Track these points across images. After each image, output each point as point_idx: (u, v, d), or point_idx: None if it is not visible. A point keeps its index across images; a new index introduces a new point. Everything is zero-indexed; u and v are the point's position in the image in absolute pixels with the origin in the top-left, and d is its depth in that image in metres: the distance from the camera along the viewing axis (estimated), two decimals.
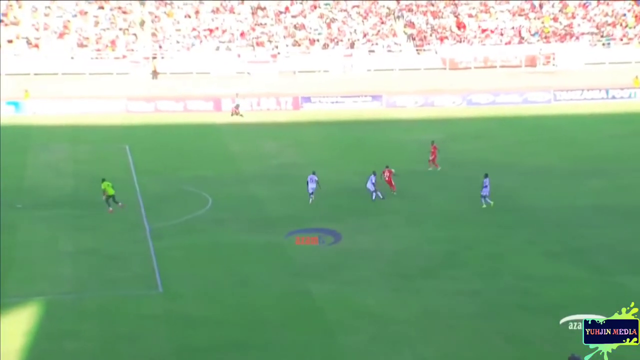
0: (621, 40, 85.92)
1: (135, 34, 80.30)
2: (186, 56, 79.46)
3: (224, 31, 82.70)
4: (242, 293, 32.10)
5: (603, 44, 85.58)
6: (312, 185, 43.08)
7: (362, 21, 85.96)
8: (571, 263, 34.60)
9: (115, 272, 34.03)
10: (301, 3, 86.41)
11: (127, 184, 46.90)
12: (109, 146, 56.37)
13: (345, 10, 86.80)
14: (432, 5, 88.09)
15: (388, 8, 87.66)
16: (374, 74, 79.53)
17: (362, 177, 45.93)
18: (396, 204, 43.14)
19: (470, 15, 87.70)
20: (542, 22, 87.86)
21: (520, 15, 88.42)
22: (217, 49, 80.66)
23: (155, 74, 75.75)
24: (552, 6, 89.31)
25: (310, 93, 71.16)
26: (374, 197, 43.22)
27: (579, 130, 61.39)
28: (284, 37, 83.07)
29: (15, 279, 33.29)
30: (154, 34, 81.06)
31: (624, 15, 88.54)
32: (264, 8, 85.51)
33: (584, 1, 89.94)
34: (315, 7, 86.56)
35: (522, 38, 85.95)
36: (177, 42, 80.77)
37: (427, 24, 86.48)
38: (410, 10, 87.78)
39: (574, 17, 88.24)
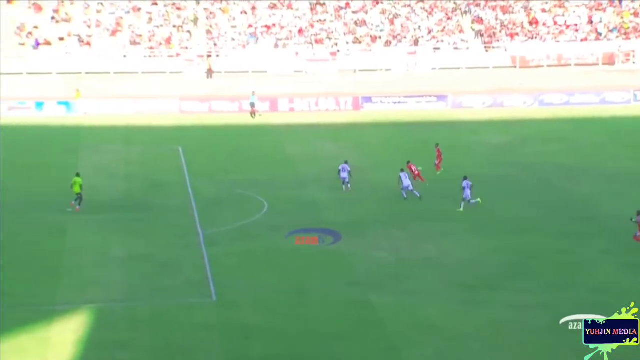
0: None
1: (189, 31, 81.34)
2: (242, 54, 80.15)
3: (281, 28, 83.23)
4: (299, 302, 32.28)
5: None
6: (344, 175, 45.61)
7: (427, 17, 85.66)
8: None
9: (168, 280, 34.51)
10: None
11: (180, 187, 47.54)
12: (161, 148, 57.17)
13: (409, 6, 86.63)
14: None
15: (455, 3, 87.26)
16: (439, 72, 79.21)
17: (426, 181, 45.84)
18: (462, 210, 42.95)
19: (543, 10, 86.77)
20: (622, 18, 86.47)
21: (597, 10, 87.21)
22: (275, 46, 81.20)
23: (210, 72, 76.57)
24: (632, 0, 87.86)
25: (372, 93, 71.09)
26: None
27: None
28: (344, 34, 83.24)
29: (66, 285, 33.97)
30: (208, 31, 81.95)
31: None
32: (324, 4, 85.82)
33: None
34: (377, 3, 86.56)
35: (599, 34, 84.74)
36: (233, 39, 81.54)
37: (496, 19, 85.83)
38: (478, 5, 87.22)
39: None
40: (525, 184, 47.52)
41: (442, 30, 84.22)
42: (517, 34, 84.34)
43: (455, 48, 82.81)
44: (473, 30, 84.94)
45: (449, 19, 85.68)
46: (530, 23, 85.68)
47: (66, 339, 29.13)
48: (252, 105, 65.89)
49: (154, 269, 35.72)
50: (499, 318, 30.48)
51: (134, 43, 79.12)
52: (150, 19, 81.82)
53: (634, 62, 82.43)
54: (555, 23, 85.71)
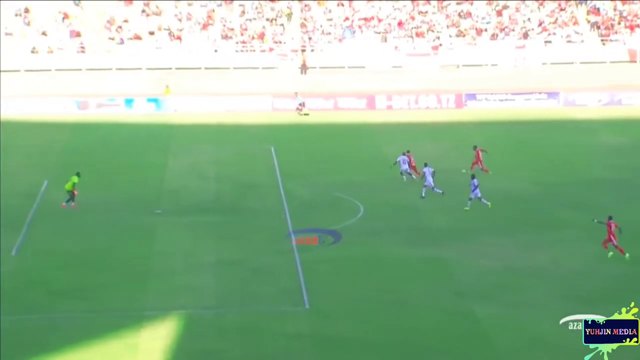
0: None
1: (283, 25, 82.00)
2: (338, 49, 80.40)
3: (380, 20, 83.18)
4: (398, 313, 32.19)
5: None
6: (404, 167, 48.16)
7: (538, 7, 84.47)
8: None
9: (259, 286, 34.84)
10: None
11: (271, 189, 47.94)
12: (253, 147, 57.78)
13: None
14: None
15: None
16: (550, 67, 78.01)
17: (536, 185, 45.19)
18: (576, 216, 42.25)
19: None
20: None
21: None
22: (373, 40, 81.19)
23: (304, 68, 77.03)
24: None
25: (476, 89, 70.58)
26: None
27: None
28: (447, 26, 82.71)
29: (155, 290, 34.62)
30: (303, 25, 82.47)
31: None
32: None
33: None
34: None
35: None
36: (328, 33, 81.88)
37: (614, 10, 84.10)
38: None
39: None
40: None
41: (554, 22, 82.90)
42: (637, 26, 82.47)
43: (569, 41, 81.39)
44: (588, 21, 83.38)
45: (562, 9, 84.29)
46: None
47: (155, 346, 29.70)
48: (302, 104, 66.99)
49: (246, 274, 36.10)
50: None
51: (225, 37, 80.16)
52: (243, 12, 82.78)
53: None
54: None
